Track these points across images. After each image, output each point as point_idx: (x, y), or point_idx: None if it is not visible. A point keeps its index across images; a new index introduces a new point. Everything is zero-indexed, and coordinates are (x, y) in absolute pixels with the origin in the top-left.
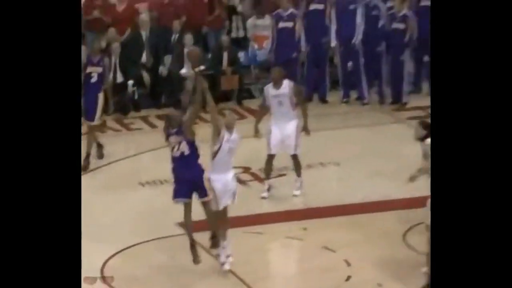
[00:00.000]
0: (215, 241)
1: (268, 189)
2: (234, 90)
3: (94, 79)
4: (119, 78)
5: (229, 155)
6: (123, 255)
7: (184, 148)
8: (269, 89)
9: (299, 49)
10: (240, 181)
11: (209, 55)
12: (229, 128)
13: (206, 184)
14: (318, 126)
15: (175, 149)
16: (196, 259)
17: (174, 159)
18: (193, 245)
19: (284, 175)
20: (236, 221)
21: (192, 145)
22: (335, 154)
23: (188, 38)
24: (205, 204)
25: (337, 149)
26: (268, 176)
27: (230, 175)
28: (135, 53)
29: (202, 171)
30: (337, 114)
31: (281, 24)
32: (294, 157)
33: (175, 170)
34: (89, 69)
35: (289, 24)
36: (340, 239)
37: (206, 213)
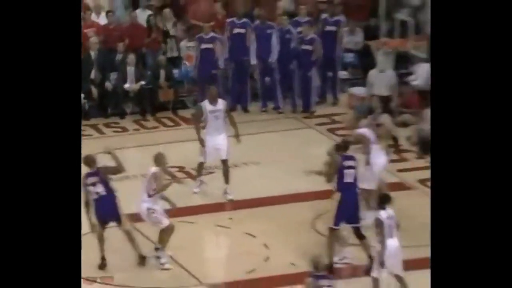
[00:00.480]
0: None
1: (199, 185)
2: (170, 101)
3: None
4: None
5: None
6: None
7: (100, 188)
8: (206, 105)
9: (218, 66)
10: (176, 179)
11: (148, 72)
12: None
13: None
14: (241, 131)
15: (93, 190)
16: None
17: (94, 201)
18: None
19: (213, 172)
20: (172, 212)
21: (107, 185)
22: (255, 155)
23: (131, 57)
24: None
25: (257, 151)
26: (199, 175)
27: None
28: (85, 71)
29: (116, 207)
30: (257, 122)
31: (203, 46)
32: (225, 162)
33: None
34: None
35: (210, 46)
36: (260, 226)
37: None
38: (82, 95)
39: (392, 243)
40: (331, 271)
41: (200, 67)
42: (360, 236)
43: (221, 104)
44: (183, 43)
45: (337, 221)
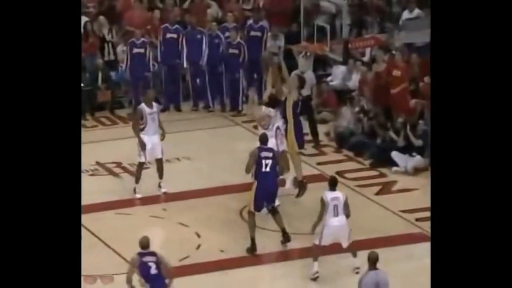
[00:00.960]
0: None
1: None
2: (107, 101)
3: None
4: None
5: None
6: None
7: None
8: (145, 108)
9: (150, 69)
10: (113, 173)
11: (87, 75)
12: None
13: None
14: (174, 129)
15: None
16: None
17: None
18: None
19: (148, 168)
20: (108, 205)
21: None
22: (187, 151)
23: None
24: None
25: (189, 147)
26: (138, 180)
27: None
28: None
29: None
30: (189, 120)
31: (135, 50)
32: (160, 160)
33: None
34: None
35: (141, 50)
36: (192, 217)
37: None
38: None
39: (335, 222)
40: (254, 251)
41: (132, 70)
42: (274, 212)
43: (156, 106)
44: (120, 48)
45: (255, 206)
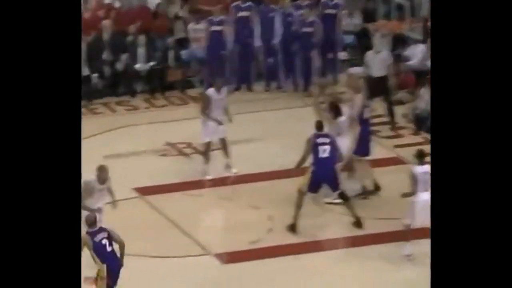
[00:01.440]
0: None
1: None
2: (178, 81)
3: None
4: (85, 72)
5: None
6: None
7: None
8: (213, 94)
9: (227, 48)
10: (183, 154)
11: (158, 53)
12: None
13: None
14: (245, 110)
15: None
16: None
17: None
18: None
19: (216, 149)
20: (177, 186)
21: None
22: (258, 132)
23: (141, 39)
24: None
25: (260, 128)
26: (207, 161)
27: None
28: (97, 51)
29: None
30: (261, 100)
31: (213, 28)
32: (223, 140)
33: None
34: None
35: (219, 28)
36: (263, 199)
37: None
38: (96, 75)
39: (425, 197)
40: (293, 230)
41: (209, 48)
42: (344, 198)
43: (224, 92)
44: (191, 26)
45: (309, 188)
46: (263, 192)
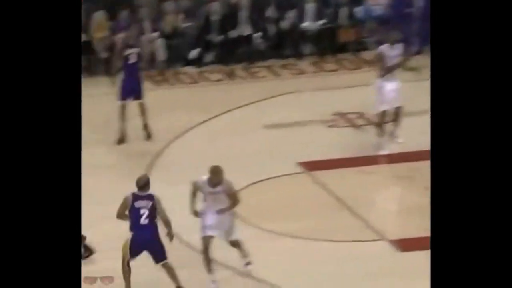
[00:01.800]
0: None
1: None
2: (351, 42)
3: (132, 60)
4: (247, 31)
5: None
6: (251, 189)
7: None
8: (386, 50)
9: (414, 4)
10: (355, 125)
11: (328, 10)
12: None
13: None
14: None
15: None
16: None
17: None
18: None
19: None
20: (348, 161)
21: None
22: None
23: None
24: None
25: None
26: (382, 133)
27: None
28: (260, 8)
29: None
30: None
31: None
32: (398, 109)
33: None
34: (127, 51)
35: None
36: None
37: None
38: (258, 34)
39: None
40: None
41: (394, 6)
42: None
43: (397, 48)
44: None
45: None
46: None
